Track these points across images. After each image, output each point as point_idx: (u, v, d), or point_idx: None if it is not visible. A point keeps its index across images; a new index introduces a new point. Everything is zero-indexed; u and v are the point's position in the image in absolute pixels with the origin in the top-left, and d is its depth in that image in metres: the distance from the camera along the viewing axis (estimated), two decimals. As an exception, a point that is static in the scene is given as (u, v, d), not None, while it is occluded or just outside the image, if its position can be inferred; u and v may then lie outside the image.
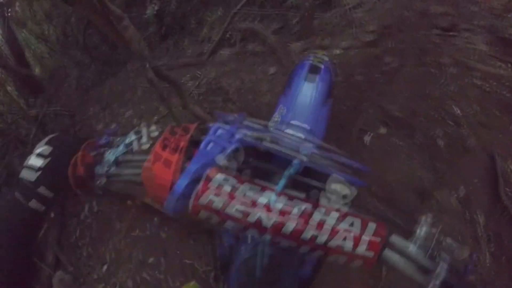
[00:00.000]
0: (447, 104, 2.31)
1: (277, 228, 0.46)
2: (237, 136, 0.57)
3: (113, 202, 2.53)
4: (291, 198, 0.50)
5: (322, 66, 1.12)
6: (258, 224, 0.46)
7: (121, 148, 0.63)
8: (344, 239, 0.45)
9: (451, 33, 2.64)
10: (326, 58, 1.19)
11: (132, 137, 0.64)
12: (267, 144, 0.60)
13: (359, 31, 2.85)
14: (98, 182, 0.60)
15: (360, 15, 3.03)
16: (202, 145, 0.56)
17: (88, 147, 0.65)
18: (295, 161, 0.58)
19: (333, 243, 0.46)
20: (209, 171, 0.50)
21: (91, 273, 2.36)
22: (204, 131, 0.62)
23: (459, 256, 0.46)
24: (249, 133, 0.61)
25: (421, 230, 0.48)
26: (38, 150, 0.63)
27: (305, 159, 0.59)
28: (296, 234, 0.45)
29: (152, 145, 0.60)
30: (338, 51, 2.75)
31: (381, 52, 2.63)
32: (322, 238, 0.45)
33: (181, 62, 3.52)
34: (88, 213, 2.69)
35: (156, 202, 0.56)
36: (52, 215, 2.70)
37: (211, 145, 0.56)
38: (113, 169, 0.62)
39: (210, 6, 4.10)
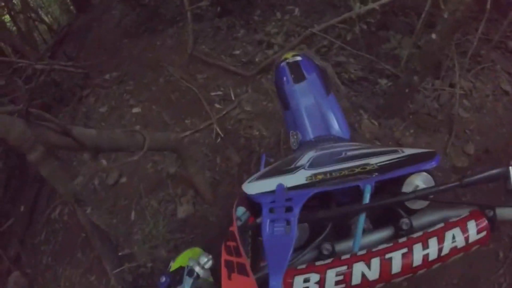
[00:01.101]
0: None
1: (386, 273, 0.40)
2: (294, 203, 0.47)
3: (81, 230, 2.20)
4: (381, 253, 0.42)
5: (299, 58, 1.02)
6: (365, 282, 0.40)
7: (187, 281, 0.52)
8: (454, 254, 0.42)
9: None
10: (298, 58, 1.04)
11: (188, 282, 0.52)
12: (323, 188, 0.50)
13: (456, 146, 2.06)
14: None
15: (466, 116, 2.18)
16: (264, 234, 0.45)
17: None
18: (366, 187, 0.47)
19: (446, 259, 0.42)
20: (284, 280, 0.41)
21: (46, 286, 2.20)
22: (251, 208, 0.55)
23: None
24: (304, 177, 0.54)
25: None
26: None
27: (374, 175, 0.49)
28: (406, 268, 0.41)
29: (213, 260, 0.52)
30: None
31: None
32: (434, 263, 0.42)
33: (222, 64, 2.81)
34: (58, 216, 2.40)
35: None
36: (22, 208, 2.44)
37: (274, 226, 0.46)
38: None
39: (287, 2, 3.22)
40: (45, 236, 2.40)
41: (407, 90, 2.03)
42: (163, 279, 0.57)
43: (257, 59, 2.81)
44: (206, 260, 0.53)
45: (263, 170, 0.67)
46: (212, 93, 2.63)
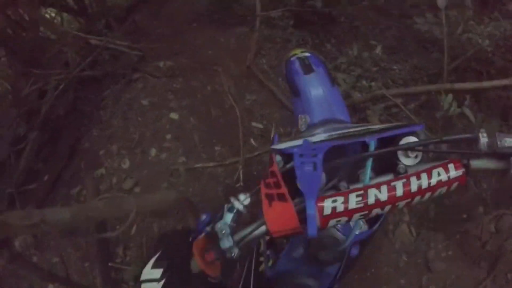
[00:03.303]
0: None
1: (392, 196, 0.53)
2: (318, 151, 0.59)
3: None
4: (388, 182, 0.55)
5: (308, 54, 1.15)
6: (378, 202, 0.53)
7: (228, 216, 0.60)
8: (440, 186, 0.55)
9: None
10: (307, 54, 1.17)
11: (229, 216, 0.60)
12: (340, 141, 0.63)
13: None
14: (232, 254, 0.57)
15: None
16: (297, 171, 0.56)
17: (198, 249, 0.59)
18: (371, 141, 0.60)
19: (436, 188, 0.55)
20: (316, 204, 0.53)
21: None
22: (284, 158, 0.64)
23: None
24: (322, 136, 0.67)
25: (484, 142, 0.56)
26: (147, 276, 0.58)
27: (376, 134, 0.62)
28: (407, 193, 0.53)
29: (251, 197, 0.62)
30: None
31: None
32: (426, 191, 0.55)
33: (275, 91, 2.57)
34: (76, 195, 2.49)
35: (287, 236, 0.56)
36: (46, 178, 2.56)
37: (304, 166, 0.57)
38: (237, 235, 0.59)
39: (372, 33, 2.84)
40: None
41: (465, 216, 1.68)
42: (204, 217, 0.61)
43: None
44: (245, 197, 0.61)
45: (284, 139, 0.75)
46: (253, 123, 2.45)
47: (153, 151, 2.38)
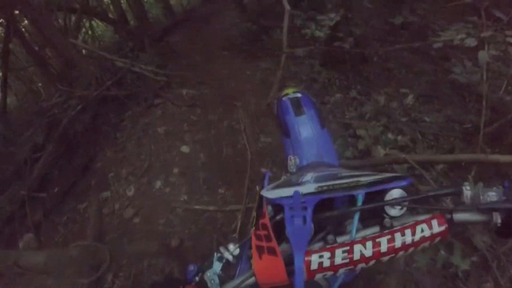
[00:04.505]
0: None
1: (377, 252, 0.55)
2: (308, 204, 0.61)
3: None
4: (373, 238, 0.57)
5: (299, 95, 1.19)
6: (363, 258, 0.55)
7: (217, 265, 0.63)
8: (423, 241, 0.56)
9: None
10: (299, 94, 1.20)
11: (218, 265, 0.63)
12: (329, 194, 0.64)
13: None
14: None
15: None
16: (287, 225, 0.59)
17: None
18: (359, 195, 0.62)
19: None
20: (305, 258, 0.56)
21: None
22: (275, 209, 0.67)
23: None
24: (312, 188, 0.67)
25: (467, 194, 0.59)
26: None
27: (364, 188, 0.64)
28: (391, 249, 0.56)
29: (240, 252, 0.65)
30: None
31: None
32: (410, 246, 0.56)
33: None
34: (82, 210, 2.54)
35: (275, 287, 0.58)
36: (56, 189, 2.64)
37: (294, 220, 0.60)
38: (226, 286, 0.61)
39: (404, 79, 2.70)
40: (65, 220, 2.57)
41: None
42: (191, 267, 0.62)
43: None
44: (234, 248, 0.63)
45: (275, 183, 0.77)
46: (263, 169, 2.39)
47: (158, 183, 2.39)
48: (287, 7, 2.54)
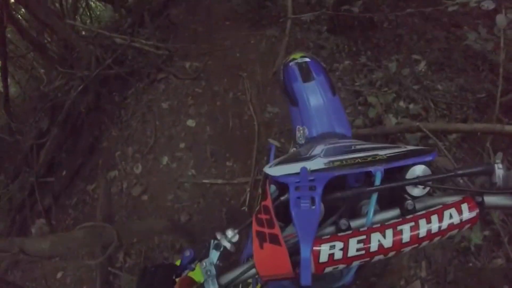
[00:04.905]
0: None
1: (398, 242, 0.47)
2: (317, 183, 0.52)
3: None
4: (393, 226, 0.49)
5: (308, 59, 1.08)
6: (381, 248, 0.47)
7: (214, 254, 0.57)
8: (451, 230, 0.48)
9: None
10: (307, 59, 1.09)
11: (215, 254, 0.57)
12: (343, 171, 0.56)
13: None
14: None
15: None
16: (292, 208, 0.50)
17: (182, 287, 0.56)
18: (377, 172, 0.53)
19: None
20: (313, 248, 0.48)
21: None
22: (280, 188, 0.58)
23: None
24: (322, 163, 0.59)
25: (499, 175, 0.51)
26: None
27: (383, 163, 0.55)
28: (414, 239, 0.48)
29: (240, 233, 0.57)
30: None
31: None
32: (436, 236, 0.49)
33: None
34: (91, 191, 2.54)
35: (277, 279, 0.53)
36: (64, 173, 2.63)
37: (300, 202, 0.51)
38: (224, 278, 0.56)
39: (415, 47, 2.52)
40: (75, 202, 2.58)
41: None
42: (188, 253, 0.56)
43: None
44: (233, 234, 0.55)
45: (281, 157, 0.68)
46: (271, 140, 2.28)
47: (164, 159, 2.32)
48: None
